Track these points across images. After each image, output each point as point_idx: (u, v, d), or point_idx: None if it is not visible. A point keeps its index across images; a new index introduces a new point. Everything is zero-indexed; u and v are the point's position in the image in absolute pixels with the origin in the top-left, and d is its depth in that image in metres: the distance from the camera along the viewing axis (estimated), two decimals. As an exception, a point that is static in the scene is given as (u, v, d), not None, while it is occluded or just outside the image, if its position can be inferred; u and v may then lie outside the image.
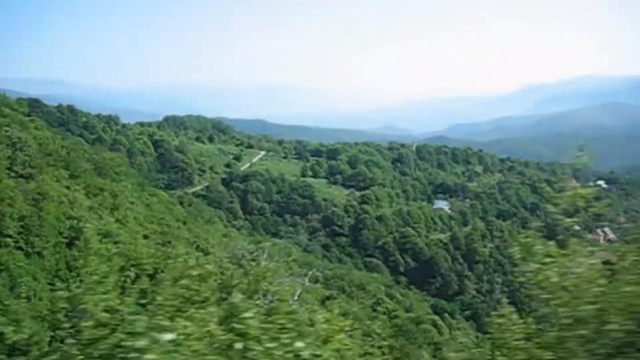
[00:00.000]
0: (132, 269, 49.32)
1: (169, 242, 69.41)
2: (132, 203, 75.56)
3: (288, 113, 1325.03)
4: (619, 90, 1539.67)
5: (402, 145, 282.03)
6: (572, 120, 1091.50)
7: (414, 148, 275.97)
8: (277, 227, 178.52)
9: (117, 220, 65.13)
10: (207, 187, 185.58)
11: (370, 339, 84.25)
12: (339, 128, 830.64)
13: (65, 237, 58.03)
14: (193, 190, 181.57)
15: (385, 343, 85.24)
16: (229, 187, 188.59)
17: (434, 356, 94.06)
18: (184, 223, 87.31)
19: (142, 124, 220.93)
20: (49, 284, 50.54)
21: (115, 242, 61.27)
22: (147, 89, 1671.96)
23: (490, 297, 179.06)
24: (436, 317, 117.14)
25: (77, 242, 57.97)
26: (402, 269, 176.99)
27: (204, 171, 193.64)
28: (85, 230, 58.59)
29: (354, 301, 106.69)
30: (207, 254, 73.81)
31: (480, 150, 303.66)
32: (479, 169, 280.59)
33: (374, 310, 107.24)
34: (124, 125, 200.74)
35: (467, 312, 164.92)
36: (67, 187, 66.65)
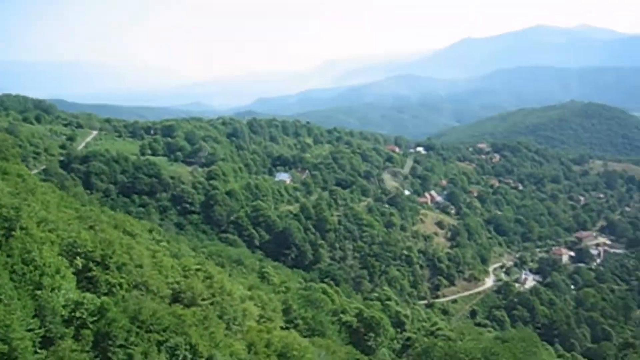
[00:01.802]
0: (77, 257, 45.14)
1: (92, 227, 64.09)
2: (42, 187, 68.61)
3: (84, 92, 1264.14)
4: (412, 63, 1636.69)
5: (232, 119, 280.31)
6: (372, 91, 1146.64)
7: (245, 122, 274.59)
8: (127, 209, 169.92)
9: (43, 207, 58.88)
10: (44, 170, 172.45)
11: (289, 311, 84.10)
12: (143, 106, 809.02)
13: (-1, 228, 51.62)
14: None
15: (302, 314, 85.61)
16: (69, 169, 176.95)
17: (333, 322, 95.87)
18: (84, 206, 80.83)
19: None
20: (11, 279, 45.13)
21: (50, 230, 55.79)
22: None
23: (344, 263, 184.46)
24: (325, 286, 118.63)
25: (13, 232, 51.86)
26: (257, 243, 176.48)
27: (38, 154, 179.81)
28: (20, 219, 52.59)
29: (248, 275, 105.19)
30: (134, 236, 69.39)
31: (308, 122, 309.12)
32: (309, 140, 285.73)
33: (269, 284, 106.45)
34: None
35: (326, 280, 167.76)
36: (-24, 172, 59.15)
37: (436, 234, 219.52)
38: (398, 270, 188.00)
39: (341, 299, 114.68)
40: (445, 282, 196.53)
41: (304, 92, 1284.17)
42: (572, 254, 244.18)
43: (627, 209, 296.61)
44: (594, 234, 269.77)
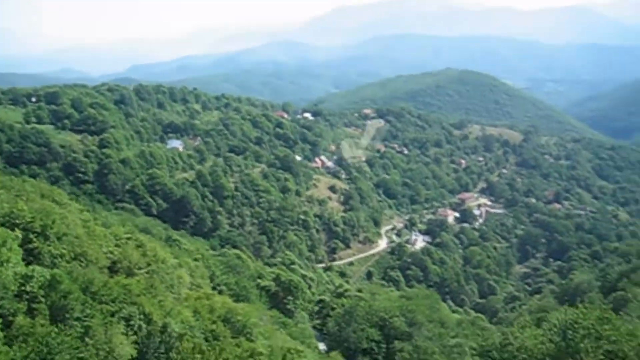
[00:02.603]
0: (16, 229, 43.65)
1: (19, 197, 60.81)
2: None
3: None
4: (289, 30, 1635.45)
5: (118, 86, 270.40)
6: (250, 58, 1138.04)
7: (132, 88, 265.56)
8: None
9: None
10: None
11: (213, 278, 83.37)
12: (9, 72, 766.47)
13: None
14: None
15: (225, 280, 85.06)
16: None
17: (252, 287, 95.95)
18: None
19: None
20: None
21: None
22: None
23: (243, 229, 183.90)
24: (239, 252, 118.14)
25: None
26: (154, 211, 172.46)
27: None
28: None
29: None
30: (63, 205, 66.37)
31: (195, 89, 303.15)
32: (197, 107, 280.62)
33: (186, 252, 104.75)
34: None
35: (227, 246, 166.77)
36: None
37: (330, 198, 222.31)
38: (296, 235, 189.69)
39: (256, 265, 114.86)
40: (341, 245, 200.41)
41: (180, 59, 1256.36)
42: (457, 214, 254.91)
43: (504, 171, 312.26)
44: (476, 195, 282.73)
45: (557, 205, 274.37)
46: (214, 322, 57.92)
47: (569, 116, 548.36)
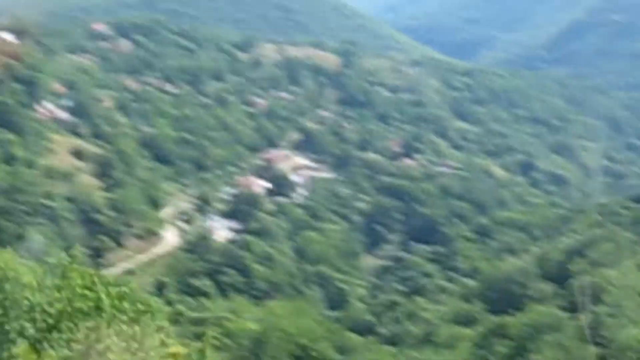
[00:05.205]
0: None
1: None
2: None
3: None
4: None
5: None
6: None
7: None
8: None
9: None
10: None
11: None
12: None
13: None
14: None
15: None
16: None
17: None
18: None
19: None
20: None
21: None
22: None
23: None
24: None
25: None
26: None
27: None
28: None
29: None
30: None
31: None
32: None
33: None
34: None
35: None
36: None
37: (78, 169, 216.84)
38: (40, 231, 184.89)
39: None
40: (110, 243, 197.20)
41: None
42: (267, 184, 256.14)
43: (323, 113, 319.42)
44: (288, 152, 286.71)
45: (409, 161, 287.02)
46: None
47: (388, 27, 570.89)
